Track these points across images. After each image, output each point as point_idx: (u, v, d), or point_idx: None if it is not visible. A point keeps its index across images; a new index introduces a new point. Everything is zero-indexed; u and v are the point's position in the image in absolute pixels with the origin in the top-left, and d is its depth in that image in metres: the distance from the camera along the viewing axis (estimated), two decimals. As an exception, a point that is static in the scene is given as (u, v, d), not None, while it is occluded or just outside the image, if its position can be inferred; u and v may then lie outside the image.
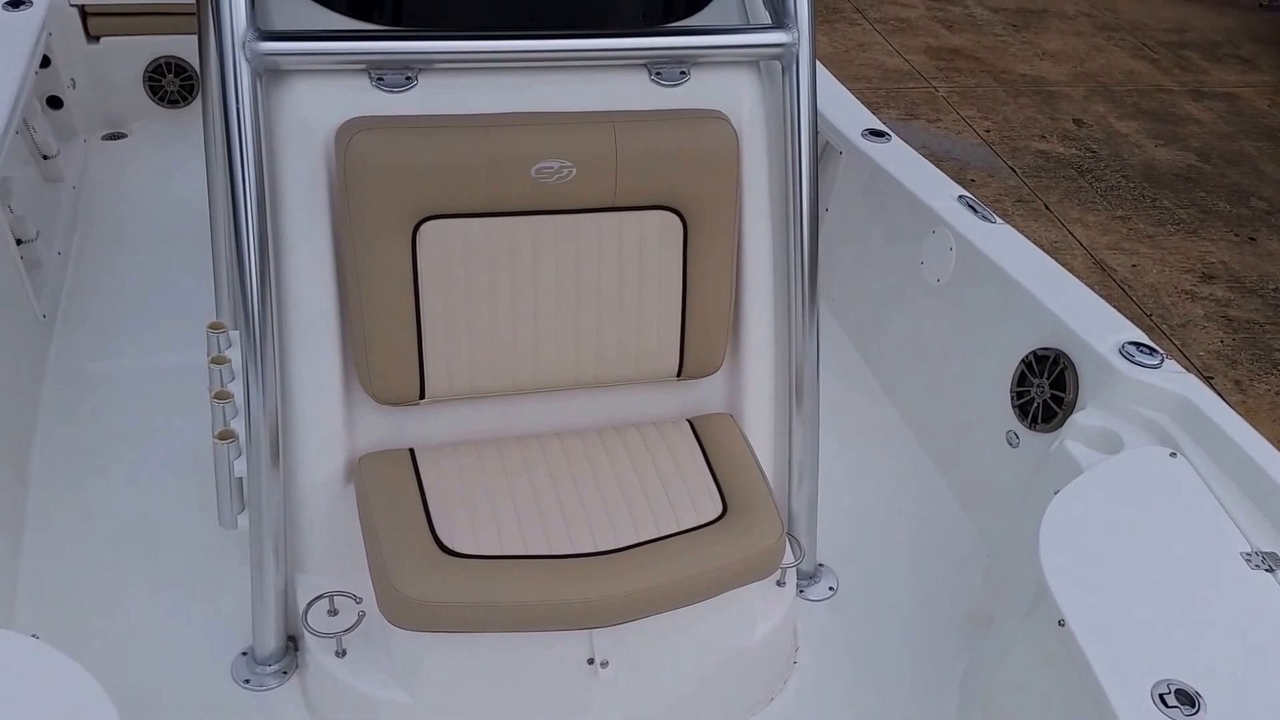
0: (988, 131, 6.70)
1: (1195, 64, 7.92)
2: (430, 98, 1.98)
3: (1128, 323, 2.45)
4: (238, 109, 1.82)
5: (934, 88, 7.26)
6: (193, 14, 3.34)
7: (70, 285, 3.18)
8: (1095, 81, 7.51)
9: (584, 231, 2.05)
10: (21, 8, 3.55)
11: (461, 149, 1.93)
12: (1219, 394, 4.57)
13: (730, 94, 2.14)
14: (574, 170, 1.98)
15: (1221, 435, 2.14)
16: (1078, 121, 6.92)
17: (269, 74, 1.90)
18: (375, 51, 1.93)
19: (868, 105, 6.67)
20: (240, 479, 2.10)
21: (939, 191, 2.96)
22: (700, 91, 2.12)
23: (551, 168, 1.97)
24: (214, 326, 2.31)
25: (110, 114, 3.93)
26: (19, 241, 2.93)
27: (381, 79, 1.95)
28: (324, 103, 1.94)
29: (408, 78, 1.97)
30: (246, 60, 1.82)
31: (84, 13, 3.77)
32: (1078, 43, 8.13)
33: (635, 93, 2.08)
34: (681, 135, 2.04)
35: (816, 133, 2.16)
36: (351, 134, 1.90)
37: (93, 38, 3.82)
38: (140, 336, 3.02)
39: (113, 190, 3.64)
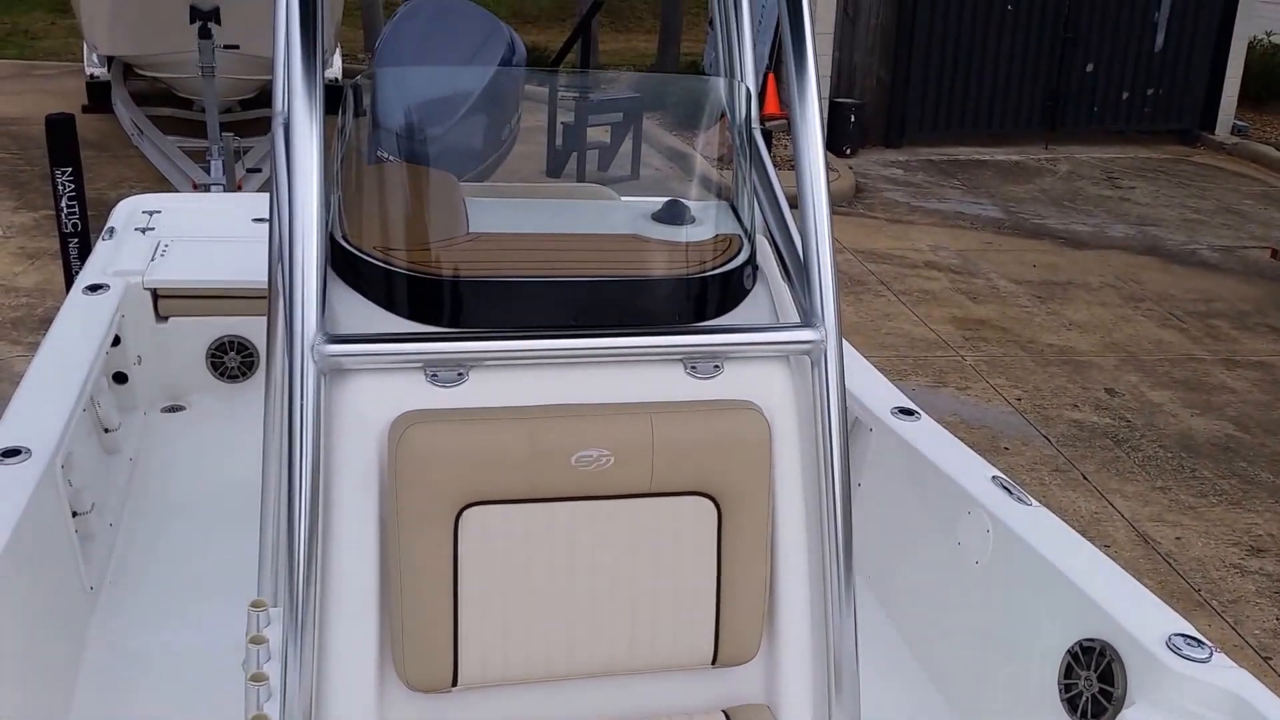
0: (1019, 400, 6.74)
1: (1226, 333, 8.01)
2: (479, 391, 2.07)
3: (1173, 613, 2.38)
4: (301, 405, 1.91)
5: (961, 356, 7.37)
6: (257, 297, 3.49)
7: (118, 557, 3.21)
8: (1125, 351, 7.59)
9: (620, 517, 2.08)
10: (99, 291, 3.73)
11: (506, 440, 2.00)
12: (1279, 675, 4.39)
13: (761, 386, 2.19)
14: (612, 459, 2.03)
15: None
16: (1110, 391, 6.96)
17: (332, 372, 2.00)
18: (431, 352, 2.04)
19: (895, 373, 6.79)
20: None
21: (972, 471, 2.94)
22: (733, 383, 2.17)
23: (590, 456, 2.03)
24: (255, 605, 2.31)
25: (171, 388, 4.05)
26: (74, 514, 2.98)
27: (435, 375, 2.05)
28: (381, 398, 2.03)
29: (459, 373, 2.06)
30: (314, 361, 1.92)
31: (156, 295, 3.94)
32: (1104, 313, 8.28)
33: (671, 385, 2.15)
34: (715, 425, 2.09)
35: (847, 421, 2.18)
36: (404, 428, 1.98)
37: (161, 318, 3.98)
38: (181, 612, 3.02)
39: (167, 462, 3.71)
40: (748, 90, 2.51)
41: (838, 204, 10.02)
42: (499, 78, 3.16)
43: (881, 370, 3.69)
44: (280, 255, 2.05)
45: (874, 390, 3.44)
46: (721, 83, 2.58)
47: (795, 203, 2.30)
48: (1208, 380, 7.19)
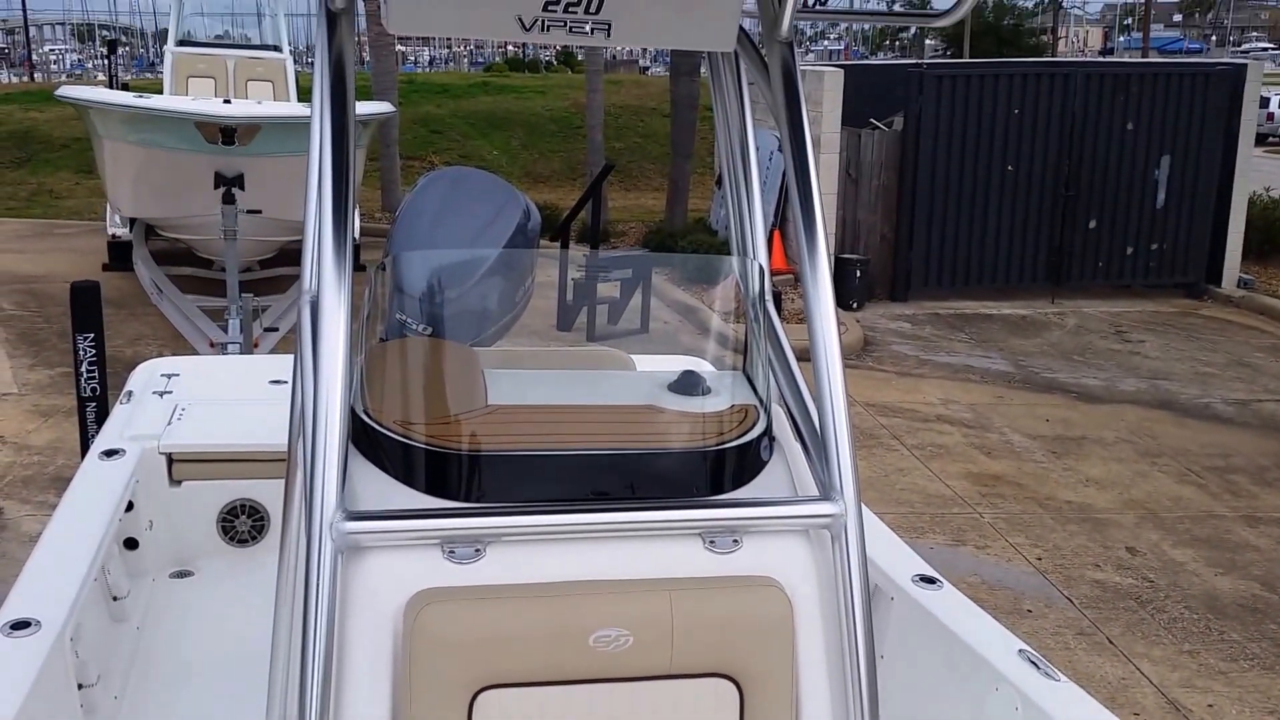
0: (1039, 559, 6.63)
1: (1245, 489, 7.92)
2: (496, 568, 2.04)
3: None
4: (317, 584, 1.88)
5: (979, 514, 7.28)
6: (270, 460, 3.46)
7: None
8: (1144, 508, 7.50)
9: (639, 701, 2.03)
10: (115, 457, 3.71)
11: (523, 620, 1.98)
12: None
13: (782, 560, 2.16)
14: (631, 639, 2.00)
15: None
16: (1131, 550, 6.85)
17: (349, 549, 1.98)
18: (449, 528, 2.02)
19: (912, 530, 6.71)
20: None
21: (999, 644, 2.87)
22: (752, 558, 2.14)
23: (609, 636, 1.99)
24: None
25: (181, 553, 3.99)
26: (80, 686, 2.91)
27: (452, 552, 2.03)
28: (397, 576, 2.01)
29: (476, 550, 2.04)
30: (331, 539, 1.90)
31: (171, 459, 3.92)
32: (1121, 469, 8.21)
33: (690, 560, 2.12)
34: (735, 603, 2.06)
35: (869, 596, 2.15)
36: (420, 607, 1.95)
37: (175, 481, 3.95)
38: None
39: (174, 631, 3.63)
40: (760, 267, 2.55)
41: (846, 357, 10.07)
42: (514, 245, 3.22)
43: (898, 528, 3.64)
44: (301, 430, 2.04)
45: (894, 556, 3.38)
46: (735, 260, 2.62)
47: (803, 355, 2.31)
48: (1230, 538, 7.08)
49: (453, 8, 2.02)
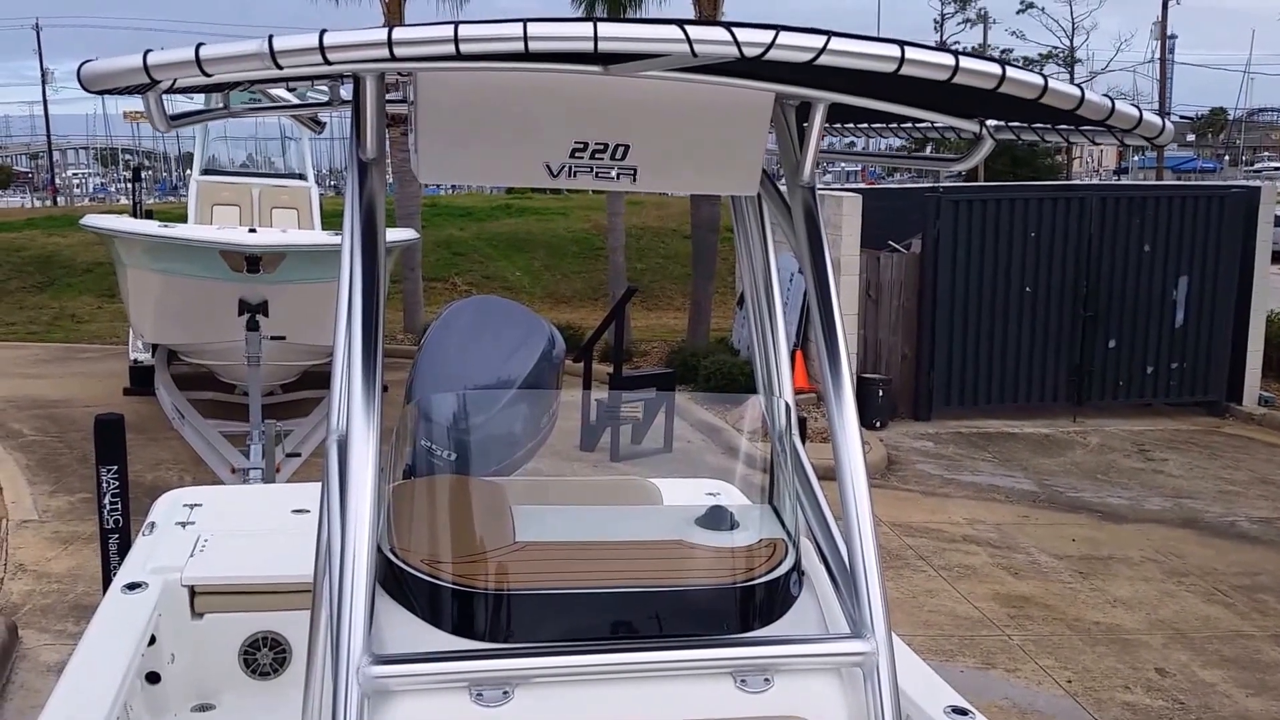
0: (1069, 682, 6.51)
1: (1273, 608, 7.79)
2: (524, 710, 2.01)
3: None
4: None
5: (1008, 635, 7.17)
6: (293, 592, 3.43)
7: None
8: (1172, 628, 7.38)
9: None
10: (137, 590, 3.69)
11: None
12: None
13: (813, 699, 2.14)
14: None
15: None
16: (1160, 671, 6.72)
17: (376, 694, 1.96)
18: (477, 670, 2.00)
19: (942, 653, 6.60)
20: None
21: None
22: (784, 697, 2.11)
23: None
24: None
25: (202, 686, 3.95)
26: None
27: (480, 695, 2.00)
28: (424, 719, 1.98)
29: (505, 692, 2.01)
30: (358, 684, 1.88)
31: (193, 592, 3.90)
32: (1148, 589, 8.10)
33: (721, 700, 2.09)
34: None
35: None
36: None
37: (197, 614, 3.93)
38: None
39: None
40: (787, 405, 2.56)
41: (871, 477, 9.94)
42: (538, 376, 3.26)
43: (927, 650, 3.58)
44: (327, 569, 2.04)
45: (925, 687, 3.32)
46: (761, 399, 2.64)
47: (826, 474, 2.30)
48: (1259, 658, 6.95)
49: (481, 156, 2.09)
